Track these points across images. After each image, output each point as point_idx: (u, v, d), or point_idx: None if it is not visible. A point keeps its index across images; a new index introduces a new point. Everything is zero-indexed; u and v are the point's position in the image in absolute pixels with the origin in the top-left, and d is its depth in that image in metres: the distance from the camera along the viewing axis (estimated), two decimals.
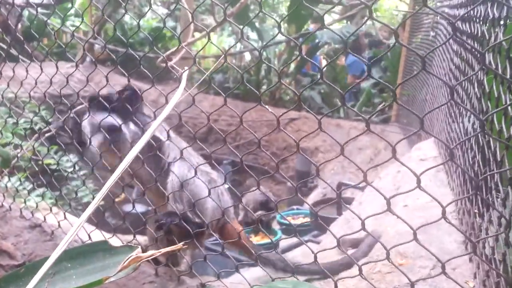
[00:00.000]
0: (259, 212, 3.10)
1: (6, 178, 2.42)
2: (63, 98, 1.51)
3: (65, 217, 1.76)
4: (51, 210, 1.87)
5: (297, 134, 6.22)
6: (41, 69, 1.55)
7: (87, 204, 1.94)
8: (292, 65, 8.04)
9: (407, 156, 2.60)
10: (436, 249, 1.53)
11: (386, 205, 0.87)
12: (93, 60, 1.96)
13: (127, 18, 9.50)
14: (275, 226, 3.48)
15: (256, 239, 3.07)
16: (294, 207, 3.97)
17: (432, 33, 4.16)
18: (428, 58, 4.17)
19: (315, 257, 1.08)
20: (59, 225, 1.71)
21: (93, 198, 1.75)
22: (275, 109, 6.08)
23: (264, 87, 7.80)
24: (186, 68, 1.15)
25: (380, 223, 1.82)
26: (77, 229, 0.82)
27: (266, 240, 3.01)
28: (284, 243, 2.90)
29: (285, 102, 7.35)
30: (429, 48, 4.18)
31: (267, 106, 1.16)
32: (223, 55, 1.11)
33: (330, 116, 6.72)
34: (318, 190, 4.92)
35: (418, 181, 0.83)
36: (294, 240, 2.85)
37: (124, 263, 0.83)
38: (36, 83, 1.57)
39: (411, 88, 5.09)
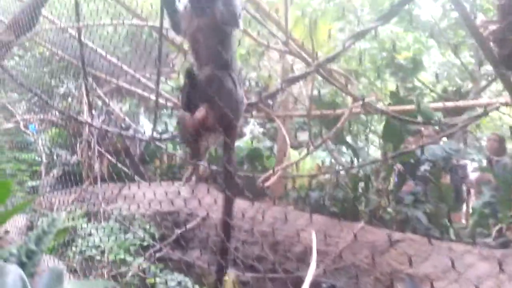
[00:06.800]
0: None
1: None
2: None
3: None
4: None
5: (402, 258, 5.68)
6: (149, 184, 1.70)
7: None
8: (392, 183, 7.76)
9: None
10: None
11: None
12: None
13: None
14: None
15: None
16: None
17: None
18: None
19: None
20: None
21: None
22: (375, 229, 5.74)
23: (362, 205, 7.51)
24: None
25: None
26: None
27: None
28: None
29: (386, 222, 6.91)
30: None
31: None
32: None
33: (440, 239, 6.10)
34: None
35: None
36: None
37: None
38: (151, 201, 1.72)
39: None
